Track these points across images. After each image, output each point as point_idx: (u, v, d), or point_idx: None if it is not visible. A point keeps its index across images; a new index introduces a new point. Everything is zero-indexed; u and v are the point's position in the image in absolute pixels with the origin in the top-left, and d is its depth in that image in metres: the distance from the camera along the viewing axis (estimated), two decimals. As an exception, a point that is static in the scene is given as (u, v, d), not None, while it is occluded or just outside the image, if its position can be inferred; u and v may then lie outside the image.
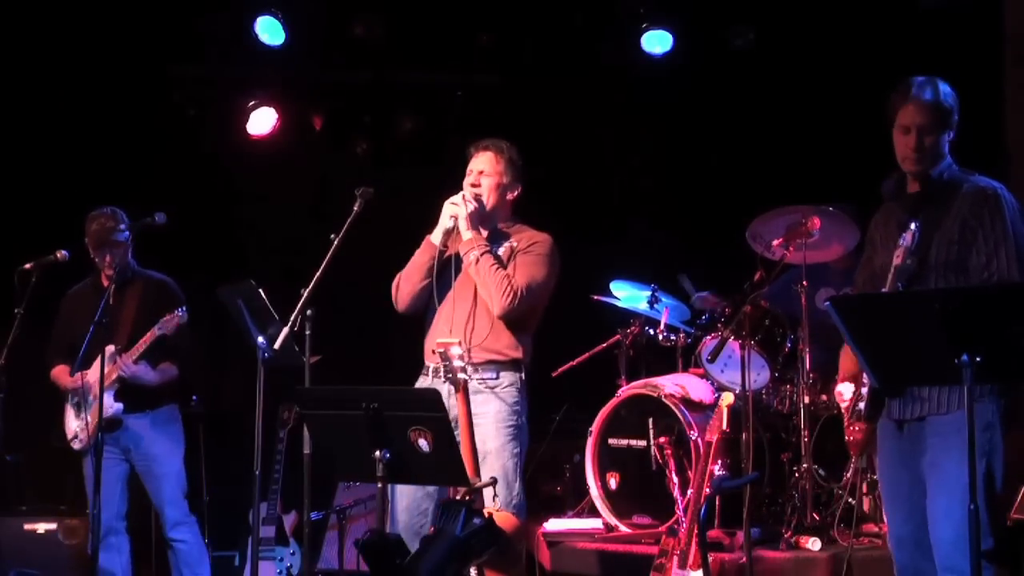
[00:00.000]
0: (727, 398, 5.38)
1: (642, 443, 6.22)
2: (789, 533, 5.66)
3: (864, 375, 4.08)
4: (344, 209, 5.24)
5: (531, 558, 6.19)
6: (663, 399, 6.09)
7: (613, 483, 6.28)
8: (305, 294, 5.03)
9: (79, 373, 5.99)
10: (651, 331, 6.83)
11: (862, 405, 4.13)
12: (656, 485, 6.05)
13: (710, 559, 5.09)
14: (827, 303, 3.68)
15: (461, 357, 4.62)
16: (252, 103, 7.88)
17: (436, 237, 5.12)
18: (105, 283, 6.02)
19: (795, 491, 5.89)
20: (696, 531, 5.05)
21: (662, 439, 6.03)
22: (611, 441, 6.32)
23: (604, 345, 7.04)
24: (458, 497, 4.47)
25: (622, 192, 8.37)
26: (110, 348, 5.90)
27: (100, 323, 5.66)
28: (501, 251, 5.11)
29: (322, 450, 4.65)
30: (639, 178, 8.40)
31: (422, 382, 5.11)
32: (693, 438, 5.87)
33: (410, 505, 4.93)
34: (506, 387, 5.00)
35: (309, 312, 5.06)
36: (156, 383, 6.03)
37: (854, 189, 6.19)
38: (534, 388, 5.17)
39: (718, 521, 5.83)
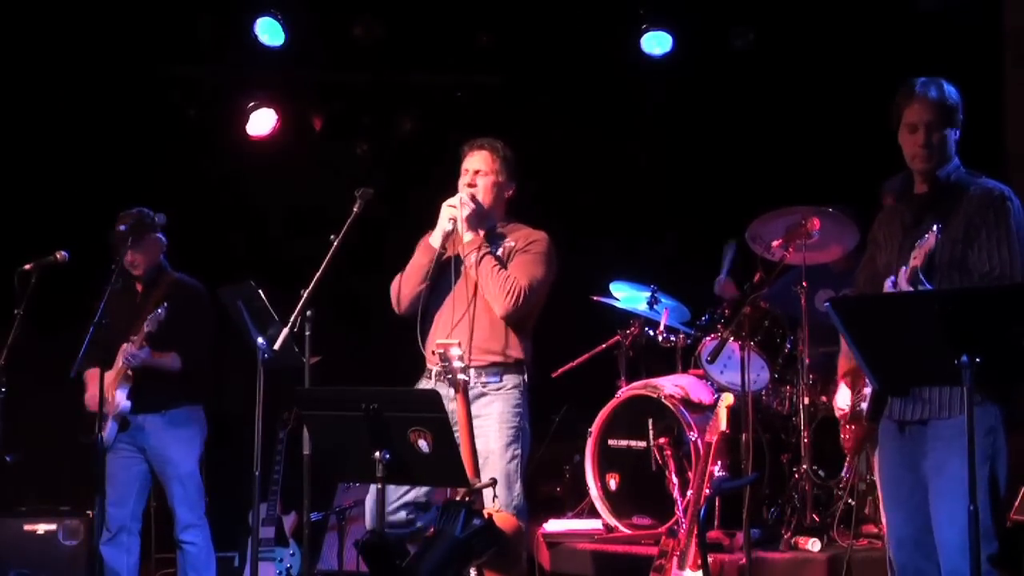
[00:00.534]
0: (727, 399, 5.38)
1: (642, 444, 6.22)
2: (789, 534, 5.66)
3: (863, 377, 4.08)
4: (344, 210, 5.24)
5: (531, 559, 6.19)
6: (663, 400, 6.10)
7: (613, 484, 6.28)
8: (305, 295, 5.03)
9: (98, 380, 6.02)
10: (651, 332, 6.83)
11: (864, 406, 4.14)
12: (656, 486, 6.05)
13: (710, 560, 5.09)
14: (826, 304, 3.68)
15: (460, 358, 4.62)
16: (252, 104, 7.88)
17: (435, 239, 5.11)
18: (138, 285, 6.13)
19: (795, 492, 5.89)
20: (696, 532, 5.05)
21: (662, 440, 6.04)
22: (611, 442, 6.32)
23: (604, 346, 7.04)
24: (457, 498, 4.47)
25: (622, 192, 8.37)
26: (126, 346, 5.92)
27: (100, 323, 5.67)
28: (500, 251, 5.10)
29: (322, 451, 4.65)
30: (639, 178, 8.40)
31: (424, 385, 5.11)
32: (693, 439, 5.87)
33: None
34: (509, 389, 5.00)
35: (309, 313, 5.06)
36: (158, 366, 6.00)
37: (854, 190, 6.21)
38: (534, 389, 5.17)
39: (718, 522, 5.83)
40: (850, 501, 5.75)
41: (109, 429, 5.96)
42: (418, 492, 4.93)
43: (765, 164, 7.83)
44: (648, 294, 6.85)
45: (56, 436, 7.17)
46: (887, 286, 4.01)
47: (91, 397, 6.02)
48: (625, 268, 7.15)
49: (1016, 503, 5.36)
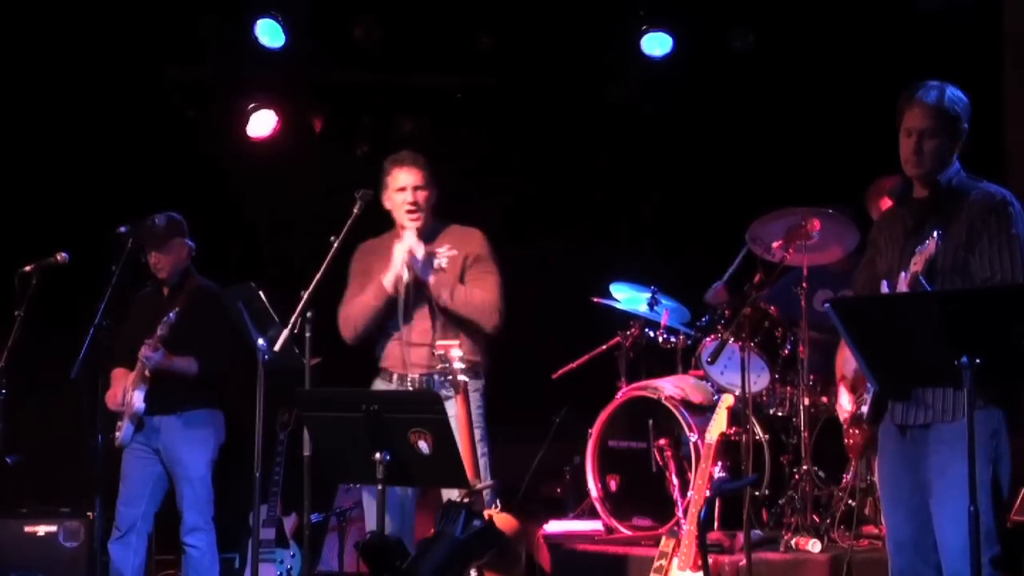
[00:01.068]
0: (727, 400, 5.38)
1: (642, 445, 6.22)
2: (789, 535, 5.66)
3: (863, 379, 4.08)
4: (344, 211, 5.24)
5: (531, 560, 6.18)
6: (663, 401, 6.09)
7: (613, 485, 6.28)
8: (305, 296, 5.03)
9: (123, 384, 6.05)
10: (651, 333, 6.83)
11: (864, 409, 4.13)
12: (656, 487, 6.05)
13: (710, 561, 5.08)
14: (826, 305, 3.68)
15: (461, 359, 4.63)
16: (252, 105, 7.87)
17: (389, 283, 5.24)
18: (164, 289, 6.17)
19: (795, 493, 5.89)
20: (696, 533, 5.05)
21: (662, 441, 6.04)
22: (611, 443, 6.32)
23: (604, 347, 7.03)
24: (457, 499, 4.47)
25: (621, 194, 8.37)
26: (143, 348, 5.95)
27: (100, 326, 5.67)
28: (447, 256, 5.26)
29: (322, 452, 4.65)
30: (638, 180, 8.40)
31: (384, 386, 5.26)
32: (693, 440, 5.87)
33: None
34: (472, 392, 5.05)
35: (309, 314, 5.06)
36: (173, 369, 6.00)
37: (854, 191, 6.21)
38: (533, 389, 5.19)
39: (718, 523, 5.83)
40: (850, 502, 5.75)
41: (125, 429, 6.00)
42: None
43: (765, 165, 7.83)
44: (648, 295, 6.85)
45: (56, 437, 7.18)
46: (883, 288, 4.02)
47: (111, 395, 6.05)
48: (625, 269, 7.15)
49: (1017, 503, 5.36)
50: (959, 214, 4.03)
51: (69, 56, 7.69)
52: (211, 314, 5.92)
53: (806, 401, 5.89)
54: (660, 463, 6.03)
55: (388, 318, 5.28)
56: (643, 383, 6.44)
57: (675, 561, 5.14)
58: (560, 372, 7.11)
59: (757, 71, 7.86)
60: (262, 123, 7.92)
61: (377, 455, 4.18)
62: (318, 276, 5.06)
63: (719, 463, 5.46)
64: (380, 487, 4.27)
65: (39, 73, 7.67)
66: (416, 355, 5.23)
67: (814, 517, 5.77)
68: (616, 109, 8.25)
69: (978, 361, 3.43)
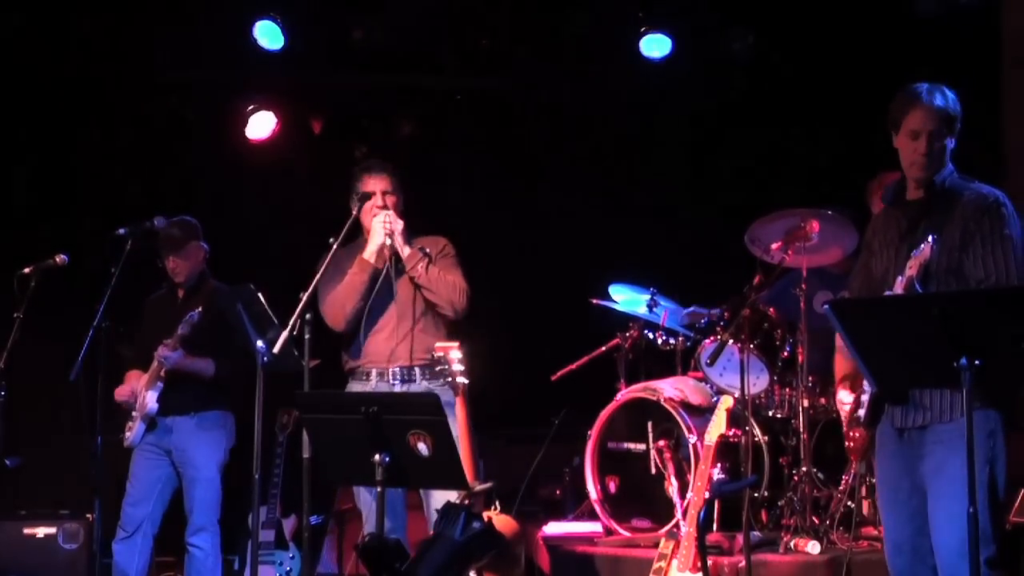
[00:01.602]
0: (726, 401, 5.38)
1: (641, 447, 6.22)
2: (788, 536, 5.66)
3: (862, 380, 4.08)
4: (342, 212, 5.25)
5: (530, 562, 6.19)
6: (662, 403, 6.09)
7: (612, 487, 6.28)
8: (304, 298, 5.04)
9: (134, 384, 6.07)
10: (650, 335, 6.83)
11: (862, 412, 4.13)
12: (655, 489, 6.05)
13: (709, 562, 5.08)
14: (825, 307, 3.68)
15: (461, 361, 4.63)
16: (251, 107, 7.87)
17: (370, 256, 5.36)
18: (179, 292, 6.21)
19: (794, 494, 5.89)
20: (695, 535, 5.05)
21: (661, 443, 6.04)
22: (610, 445, 6.32)
23: (603, 349, 7.03)
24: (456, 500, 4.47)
25: (621, 195, 8.37)
26: (160, 348, 5.97)
27: (99, 328, 5.68)
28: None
29: (321, 454, 4.65)
30: (638, 181, 8.40)
31: (357, 387, 5.33)
32: (692, 442, 5.87)
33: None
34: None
35: (308, 316, 5.07)
36: (190, 370, 6.03)
37: (853, 192, 6.21)
38: (533, 391, 5.20)
39: (717, 524, 5.83)
40: (849, 503, 5.75)
41: (136, 430, 6.03)
42: None
43: (764, 166, 7.83)
44: (648, 297, 6.85)
45: (56, 439, 7.18)
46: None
47: (120, 390, 6.09)
48: (624, 271, 7.15)
49: (1015, 505, 5.37)
50: (953, 215, 4.03)
51: (69, 57, 7.69)
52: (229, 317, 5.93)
53: (805, 403, 5.89)
54: (659, 465, 6.03)
55: (366, 306, 5.35)
56: (642, 385, 6.43)
57: (674, 563, 5.14)
58: (559, 374, 7.11)
59: (756, 73, 7.87)
60: (261, 125, 7.92)
61: (376, 457, 4.18)
62: (317, 278, 5.06)
63: (718, 465, 5.45)
64: (379, 489, 4.27)
65: (40, 75, 7.67)
66: (400, 347, 5.32)
67: (813, 519, 5.77)
68: (615, 111, 8.25)
69: (977, 363, 3.44)
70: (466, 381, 4.67)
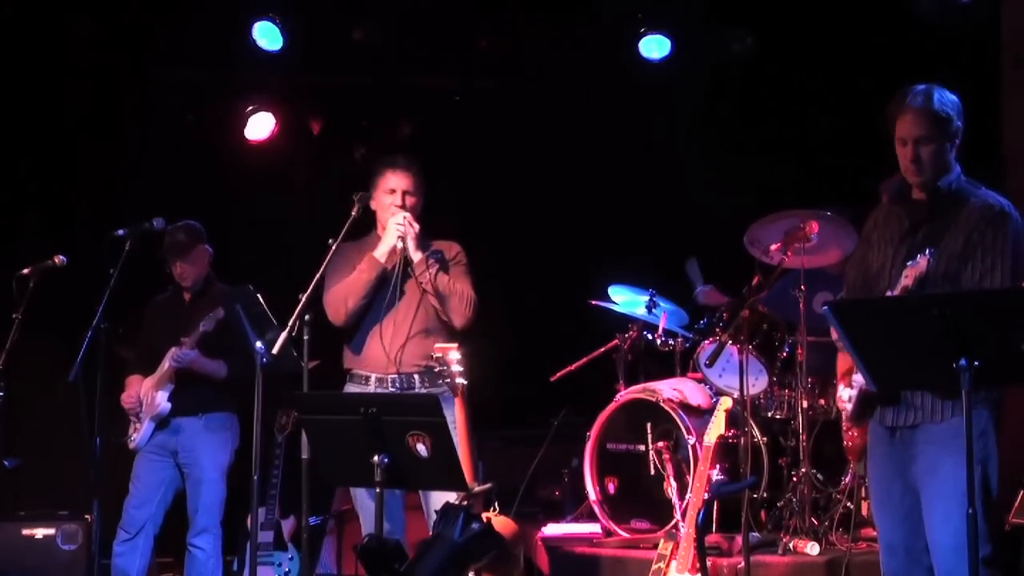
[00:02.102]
0: (725, 403, 5.38)
1: (640, 448, 6.22)
2: (787, 537, 5.66)
3: (856, 374, 4.07)
4: (342, 213, 5.24)
5: (529, 563, 6.18)
6: (661, 404, 6.10)
7: (611, 487, 6.28)
8: (303, 299, 5.03)
9: (138, 388, 6.07)
10: (649, 336, 6.83)
11: (850, 406, 4.13)
12: (654, 490, 6.05)
13: (708, 564, 5.09)
14: (825, 307, 3.68)
15: (460, 362, 4.63)
16: (250, 108, 7.87)
17: (382, 255, 5.28)
18: (185, 295, 6.22)
19: (793, 495, 5.89)
20: (694, 536, 5.05)
21: (660, 444, 6.04)
22: (609, 446, 6.32)
23: (602, 350, 7.03)
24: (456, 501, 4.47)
25: (620, 196, 8.37)
26: (174, 349, 5.97)
27: (98, 328, 5.68)
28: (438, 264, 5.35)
29: (320, 455, 4.65)
30: (637, 181, 8.39)
31: (352, 389, 5.29)
32: (691, 443, 5.88)
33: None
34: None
35: (307, 317, 5.06)
36: (203, 370, 6.04)
37: (852, 193, 6.21)
38: (532, 392, 5.19)
39: (716, 525, 5.83)
40: (848, 504, 5.75)
41: (144, 430, 6.04)
42: None
43: (764, 166, 7.83)
44: (647, 298, 6.85)
45: (55, 440, 7.17)
46: None
47: (127, 397, 6.09)
48: (624, 272, 7.15)
49: (1015, 506, 5.36)
50: (956, 222, 4.00)
51: (68, 58, 7.69)
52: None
53: (804, 404, 5.89)
54: (658, 466, 6.03)
55: (370, 307, 5.30)
56: (641, 386, 6.44)
57: (673, 564, 5.14)
58: (559, 375, 7.11)
59: (756, 74, 7.86)
60: (260, 126, 7.92)
61: (376, 458, 4.18)
62: (316, 278, 5.06)
63: (717, 466, 5.46)
64: (379, 490, 4.26)
65: (39, 75, 7.66)
66: (400, 353, 5.27)
67: (812, 520, 5.77)
68: (614, 112, 8.24)
69: (976, 364, 3.43)
70: (465, 382, 4.67)
